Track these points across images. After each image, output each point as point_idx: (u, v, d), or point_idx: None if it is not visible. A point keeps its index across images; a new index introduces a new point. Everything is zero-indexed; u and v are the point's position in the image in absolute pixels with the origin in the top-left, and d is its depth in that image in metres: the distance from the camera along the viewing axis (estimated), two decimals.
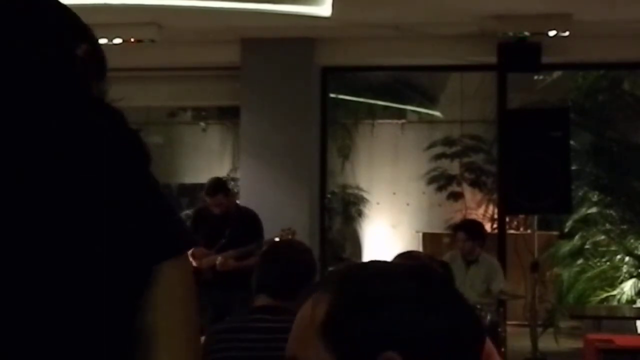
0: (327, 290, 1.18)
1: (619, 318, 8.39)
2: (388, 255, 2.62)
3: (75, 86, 1.35)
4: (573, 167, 8.85)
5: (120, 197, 1.29)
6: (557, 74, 10.98)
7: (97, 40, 1.46)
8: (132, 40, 7.70)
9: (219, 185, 6.95)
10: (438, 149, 12.54)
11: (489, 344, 3.23)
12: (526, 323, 7.86)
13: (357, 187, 12.94)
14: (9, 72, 1.28)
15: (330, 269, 8.86)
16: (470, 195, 12.63)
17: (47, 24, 1.34)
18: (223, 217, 6.84)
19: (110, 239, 1.26)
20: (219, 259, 6.79)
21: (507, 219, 9.28)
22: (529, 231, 8.94)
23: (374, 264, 1.27)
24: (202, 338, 3.12)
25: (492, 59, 7.86)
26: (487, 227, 10.38)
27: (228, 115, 11.75)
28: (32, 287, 1.21)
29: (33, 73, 1.30)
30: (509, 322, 7.58)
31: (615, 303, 9.76)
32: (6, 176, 1.22)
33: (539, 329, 8.30)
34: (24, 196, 1.22)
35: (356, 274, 1.23)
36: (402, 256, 3.27)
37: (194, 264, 7.04)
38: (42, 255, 1.22)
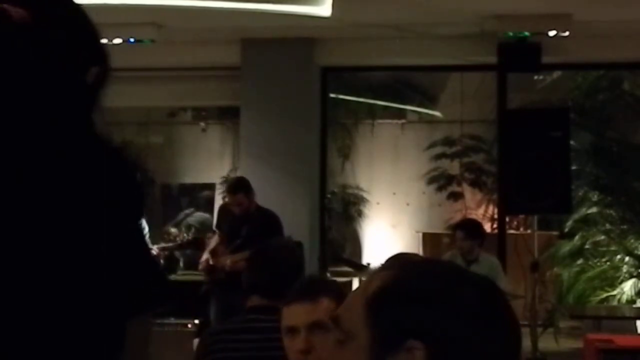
0: (388, 269, 1.22)
1: (619, 318, 8.39)
2: (388, 256, 2.62)
3: (76, 121, 1.36)
4: (573, 167, 8.85)
5: (101, 248, 1.29)
6: (557, 74, 10.98)
7: (108, 57, 1.45)
8: (132, 40, 7.70)
9: (240, 185, 6.92)
10: (438, 149, 12.54)
11: None
12: (526, 323, 7.86)
13: (357, 187, 12.94)
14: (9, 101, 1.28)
15: (330, 269, 8.87)
16: (470, 195, 12.63)
17: (59, 44, 1.33)
18: (242, 216, 6.82)
19: (85, 288, 1.27)
20: (228, 260, 6.80)
21: (507, 219, 9.28)
22: (529, 231, 8.94)
23: (442, 263, 1.30)
24: (197, 340, 3.13)
25: (492, 59, 7.86)
26: (487, 227, 10.39)
27: (228, 115, 11.75)
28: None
29: (36, 105, 1.29)
30: None
31: (615, 303, 9.76)
32: None
33: (539, 329, 8.30)
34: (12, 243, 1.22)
35: (418, 264, 1.26)
36: (396, 258, 3.27)
37: (211, 262, 7.05)
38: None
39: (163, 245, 7.57)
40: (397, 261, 1.29)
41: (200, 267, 7.28)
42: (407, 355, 1.12)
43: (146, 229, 7.04)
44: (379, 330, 1.15)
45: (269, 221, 6.76)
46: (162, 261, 8.08)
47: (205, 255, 7.21)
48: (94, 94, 1.39)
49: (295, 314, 2.44)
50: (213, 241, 7.31)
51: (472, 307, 1.15)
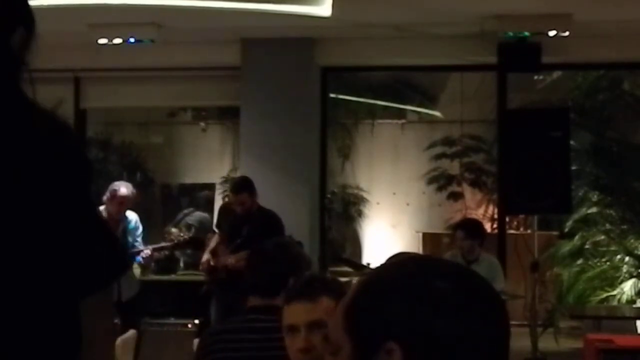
0: (364, 275, 1.24)
1: (619, 318, 8.39)
2: (388, 256, 2.62)
3: (11, 89, 1.27)
4: (573, 167, 8.85)
5: (50, 221, 1.24)
6: (557, 74, 10.98)
7: (34, 19, 1.34)
8: (132, 40, 7.71)
9: (244, 184, 6.92)
10: (438, 149, 12.54)
11: None
12: (526, 323, 7.86)
13: (357, 187, 12.94)
14: None
15: (330, 269, 8.87)
16: (470, 195, 12.63)
17: None
18: (243, 216, 6.82)
19: (35, 264, 1.23)
20: (229, 260, 6.80)
21: (507, 219, 9.28)
22: (529, 231, 8.94)
23: (419, 259, 1.30)
24: (197, 340, 3.12)
25: (492, 59, 7.86)
26: (487, 227, 10.39)
27: (228, 115, 11.75)
28: None
29: None
30: None
31: (615, 303, 9.75)
32: None
33: (539, 329, 8.29)
34: None
35: (387, 265, 1.26)
36: (395, 258, 3.28)
37: (212, 262, 7.05)
38: None
39: (162, 244, 7.55)
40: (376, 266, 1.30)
41: (201, 267, 7.28)
42: (386, 358, 1.13)
43: (140, 229, 7.04)
44: (357, 338, 1.16)
45: (270, 221, 6.76)
46: (155, 261, 8.06)
47: (206, 256, 7.21)
48: (20, 55, 1.30)
49: (295, 313, 2.44)
50: (213, 241, 7.31)
51: (447, 300, 1.14)
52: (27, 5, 1.33)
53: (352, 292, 1.21)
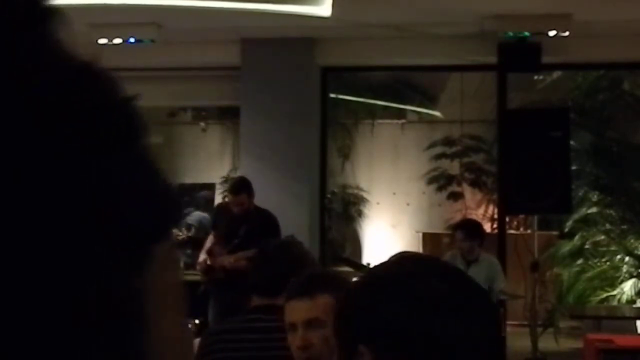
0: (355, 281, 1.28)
1: (619, 318, 8.39)
2: (388, 256, 2.62)
3: (52, 44, 1.20)
4: (573, 167, 8.85)
5: (107, 175, 1.20)
6: (557, 74, 10.98)
7: None
8: (132, 40, 7.70)
9: (243, 185, 6.92)
10: (438, 149, 12.55)
11: None
12: (526, 323, 7.86)
13: (357, 187, 12.95)
14: None
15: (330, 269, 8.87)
16: (470, 195, 12.63)
17: None
18: (241, 216, 6.82)
19: (93, 219, 1.18)
20: (228, 260, 6.80)
21: (507, 219, 9.28)
22: (529, 231, 8.94)
23: (402, 262, 1.30)
24: (197, 340, 3.12)
25: (492, 59, 7.86)
26: (487, 227, 10.39)
27: (228, 115, 11.75)
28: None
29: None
30: (509, 322, 7.58)
31: (615, 303, 9.76)
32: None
33: (539, 329, 8.30)
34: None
35: (371, 270, 1.27)
36: (395, 258, 3.28)
37: (209, 262, 7.05)
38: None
39: None
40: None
41: (198, 267, 7.28)
42: None
43: None
44: (341, 342, 1.20)
45: (267, 221, 6.78)
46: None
47: (203, 256, 7.21)
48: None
49: (293, 311, 2.46)
50: (208, 241, 7.31)
51: (446, 300, 1.15)
52: None
53: (340, 299, 1.24)
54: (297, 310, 2.45)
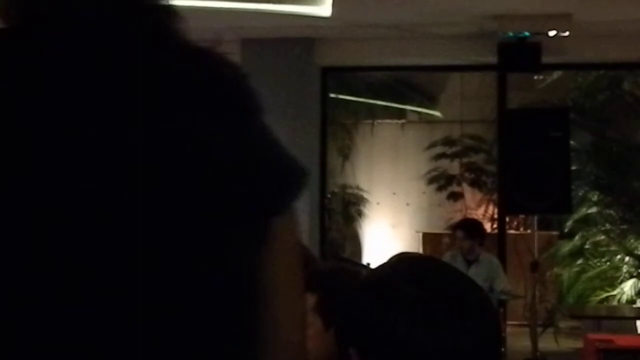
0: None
1: (619, 318, 8.39)
2: (388, 256, 2.62)
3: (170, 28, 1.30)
4: (573, 167, 8.85)
5: (230, 151, 1.26)
6: (557, 74, 10.98)
7: None
8: None
9: None
10: (438, 149, 12.55)
11: None
12: (526, 323, 7.87)
13: (357, 187, 12.94)
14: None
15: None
16: (470, 195, 12.63)
17: None
18: None
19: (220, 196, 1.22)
20: None
21: (507, 219, 9.28)
22: (529, 231, 8.95)
23: (382, 266, 1.30)
24: None
25: (492, 59, 7.86)
26: (487, 227, 10.38)
27: None
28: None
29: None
30: (509, 322, 7.58)
31: (615, 303, 9.76)
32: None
33: (539, 329, 8.30)
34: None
35: (366, 276, 1.28)
36: (394, 259, 3.28)
37: None
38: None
39: None
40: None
41: None
42: None
43: None
44: (338, 347, 1.21)
45: None
46: None
47: None
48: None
49: None
50: None
51: (407, 299, 1.14)
52: None
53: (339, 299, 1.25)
54: None
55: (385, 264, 1.30)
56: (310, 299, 2.36)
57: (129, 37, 1.24)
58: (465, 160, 12.66)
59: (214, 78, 1.32)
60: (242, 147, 1.28)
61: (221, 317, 1.23)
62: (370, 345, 1.14)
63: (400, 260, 1.27)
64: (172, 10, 1.33)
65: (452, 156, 12.59)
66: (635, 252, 10.27)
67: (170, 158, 1.20)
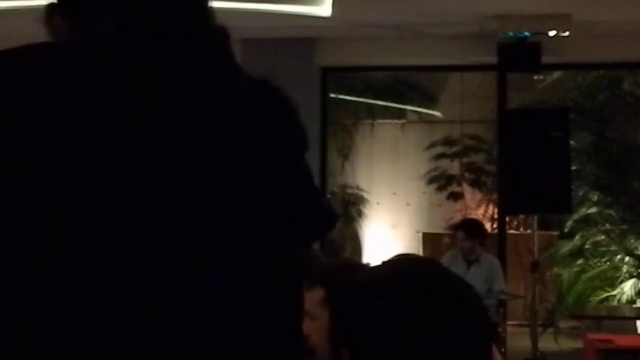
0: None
1: (619, 318, 8.39)
2: (388, 256, 2.63)
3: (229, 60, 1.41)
4: (573, 167, 8.85)
5: (281, 179, 1.32)
6: (557, 74, 10.98)
7: None
8: None
9: None
10: (438, 149, 12.54)
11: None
12: (526, 323, 7.87)
13: (357, 187, 12.94)
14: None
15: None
16: (470, 195, 12.63)
17: None
18: None
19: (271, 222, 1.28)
20: None
21: (507, 219, 9.28)
22: (529, 231, 8.95)
23: (374, 267, 1.31)
24: None
25: (492, 59, 7.86)
26: (487, 227, 10.39)
27: None
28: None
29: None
30: (509, 322, 7.58)
31: (615, 303, 9.76)
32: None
33: (539, 329, 8.30)
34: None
35: (358, 278, 1.28)
36: (393, 260, 3.29)
37: None
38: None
39: None
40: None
41: None
42: None
43: None
44: (331, 348, 1.21)
45: None
46: None
47: None
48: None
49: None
50: None
51: (399, 301, 1.14)
52: None
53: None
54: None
55: (379, 265, 1.31)
56: (319, 293, 2.37)
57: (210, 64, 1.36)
58: (465, 160, 12.66)
59: (279, 108, 1.43)
60: (297, 177, 1.37)
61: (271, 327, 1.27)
62: (362, 347, 1.14)
63: (393, 262, 1.28)
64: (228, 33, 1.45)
65: (452, 156, 12.59)
66: (635, 252, 10.27)
67: (237, 177, 1.27)
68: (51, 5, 1.31)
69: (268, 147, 1.33)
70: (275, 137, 1.36)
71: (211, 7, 1.44)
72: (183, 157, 1.22)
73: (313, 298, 2.43)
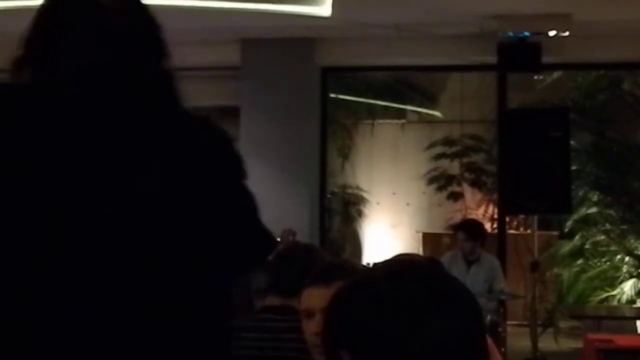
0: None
1: (619, 318, 8.39)
2: (388, 256, 2.66)
3: (179, 105, 1.56)
4: (573, 167, 8.85)
5: (212, 210, 1.43)
6: (557, 74, 10.97)
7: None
8: None
9: None
10: (438, 149, 12.54)
11: (490, 344, 3.24)
12: (526, 323, 7.86)
13: (357, 187, 12.94)
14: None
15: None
16: (470, 195, 12.63)
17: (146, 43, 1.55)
18: None
19: (201, 249, 1.39)
20: None
21: (507, 219, 9.28)
22: (529, 231, 8.95)
23: (373, 266, 1.33)
24: None
25: (492, 59, 7.86)
26: (487, 227, 10.39)
27: (228, 115, 11.73)
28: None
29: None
30: (509, 322, 7.58)
31: (615, 303, 9.76)
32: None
33: (539, 329, 8.30)
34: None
35: (353, 280, 1.29)
36: (394, 259, 3.31)
37: None
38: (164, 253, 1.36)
39: None
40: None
41: None
42: None
43: None
44: (327, 349, 1.22)
45: None
46: None
47: None
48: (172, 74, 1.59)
49: (310, 297, 2.50)
50: None
51: (392, 300, 1.15)
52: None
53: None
54: (314, 296, 2.48)
55: (376, 264, 1.33)
56: (328, 293, 2.37)
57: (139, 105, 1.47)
58: (465, 160, 12.66)
59: (213, 143, 1.55)
60: (229, 206, 1.47)
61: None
62: (362, 347, 1.15)
63: (391, 262, 1.29)
64: (174, 76, 1.59)
65: (452, 156, 12.58)
66: (635, 252, 10.27)
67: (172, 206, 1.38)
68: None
69: (195, 181, 1.43)
70: (207, 172, 1.46)
71: (163, 51, 1.63)
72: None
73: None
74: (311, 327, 2.48)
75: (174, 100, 1.55)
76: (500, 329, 6.64)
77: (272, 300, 3.02)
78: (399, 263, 1.30)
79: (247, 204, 1.55)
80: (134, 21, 1.54)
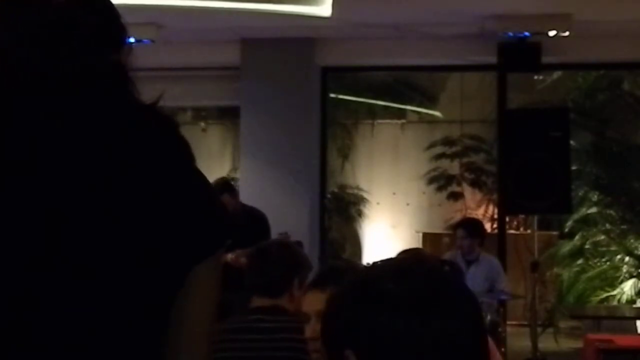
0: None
1: (619, 318, 8.39)
2: (388, 256, 2.64)
3: (126, 95, 1.54)
4: (573, 167, 8.84)
5: (164, 197, 1.41)
6: (557, 74, 10.97)
7: (127, 34, 1.59)
8: (132, 40, 7.70)
9: (224, 186, 6.93)
10: (438, 149, 12.54)
11: (490, 344, 3.24)
12: (526, 323, 7.86)
13: (357, 187, 12.94)
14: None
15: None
16: (470, 195, 12.63)
17: (90, 34, 1.48)
18: None
19: (152, 238, 1.35)
20: (229, 256, 6.79)
21: (507, 219, 9.28)
22: (529, 231, 8.94)
23: (366, 266, 1.32)
24: None
25: (492, 59, 7.86)
26: (487, 227, 10.39)
27: (228, 115, 11.74)
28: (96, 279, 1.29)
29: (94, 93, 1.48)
30: (509, 322, 7.58)
31: (615, 303, 9.76)
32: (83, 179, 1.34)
33: (539, 329, 8.30)
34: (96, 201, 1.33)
35: (352, 278, 1.28)
36: (405, 253, 3.32)
37: None
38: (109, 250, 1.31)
39: None
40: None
41: None
42: None
43: None
44: (327, 350, 1.21)
45: (257, 219, 6.79)
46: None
47: None
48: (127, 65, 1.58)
49: (308, 302, 2.51)
50: None
51: (394, 299, 1.15)
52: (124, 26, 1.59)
53: (323, 310, 1.26)
54: (310, 301, 2.50)
55: (374, 263, 1.32)
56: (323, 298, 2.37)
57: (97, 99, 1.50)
58: (465, 160, 12.66)
59: (161, 131, 1.54)
60: (178, 193, 1.45)
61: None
62: (366, 345, 1.14)
63: (391, 259, 1.28)
64: (127, 77, 1.60)
65: (452, 156, 12.58)
66: (635, 252, 10.27)
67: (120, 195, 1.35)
68: None
69: (147, 157, 1.43)
70: (155, 149, 1.46)
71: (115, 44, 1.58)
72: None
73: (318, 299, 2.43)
74: (308, 332, 2.48)
75: (122, 91, 1.56)
76: (500, 329, 6.63)
77: (262, 301, 3.01)
78: (403, 261, 1.30)
79: (201, 187, 1.54)
80: (83, 12, 1.48)
